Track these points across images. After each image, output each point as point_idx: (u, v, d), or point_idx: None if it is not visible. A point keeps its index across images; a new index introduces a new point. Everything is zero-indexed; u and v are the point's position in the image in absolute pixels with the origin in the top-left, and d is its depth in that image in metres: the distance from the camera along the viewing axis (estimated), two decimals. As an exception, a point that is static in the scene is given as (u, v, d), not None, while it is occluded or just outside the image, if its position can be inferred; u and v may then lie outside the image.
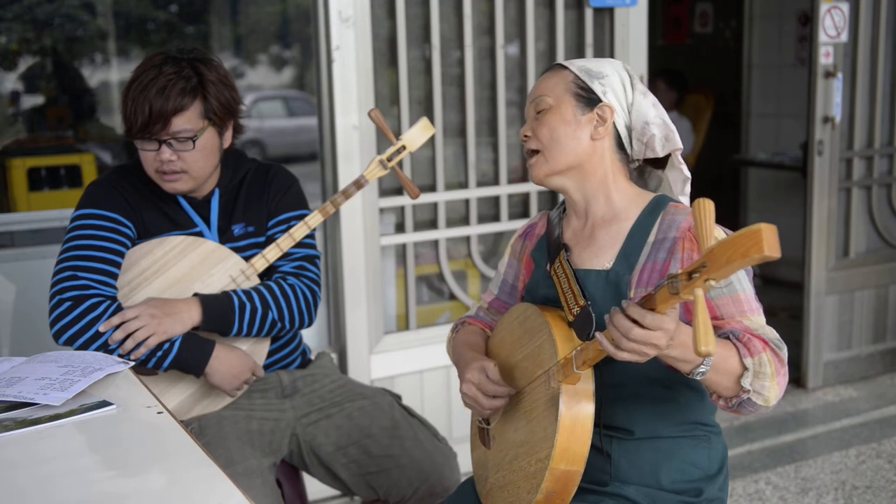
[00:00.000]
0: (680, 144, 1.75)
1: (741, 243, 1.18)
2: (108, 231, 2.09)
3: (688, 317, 1.58)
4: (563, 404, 1.55)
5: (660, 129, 1.72)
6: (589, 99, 1.70)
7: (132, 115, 2.02)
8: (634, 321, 1.37)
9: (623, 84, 1.73)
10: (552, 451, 1.54)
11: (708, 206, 1.28)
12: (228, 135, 2.17)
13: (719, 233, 1.59)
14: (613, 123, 1.71)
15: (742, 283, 1.60)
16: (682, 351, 1.44)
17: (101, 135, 5.06)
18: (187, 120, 2.04)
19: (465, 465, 2.28)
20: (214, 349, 2.08)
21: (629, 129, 1.73)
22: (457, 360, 1.87)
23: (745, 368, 1.50)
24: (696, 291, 1.27)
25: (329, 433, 2.21)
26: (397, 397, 2.33)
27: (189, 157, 2.06)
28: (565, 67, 1.74)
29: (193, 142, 2.05)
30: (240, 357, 2.12)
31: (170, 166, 2.05)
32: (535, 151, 1.73)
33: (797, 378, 4.26)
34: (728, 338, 1.54)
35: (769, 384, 1.51)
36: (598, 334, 1.45)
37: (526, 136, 1.74)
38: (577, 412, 1.55)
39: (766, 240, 1.16)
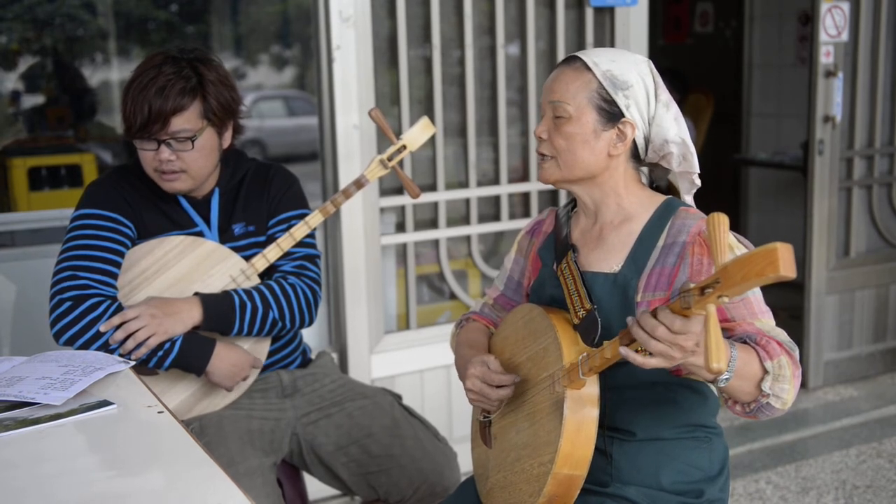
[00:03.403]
0: (696, 168, 1.71)
1: (756, 262, 1.17)
2: (109, 231, 2.09)
3: None
4: (567, 409, 1.54)
5: (678, 147, 1.68)
6: (611, 113, 1.65)
7: (131, 114, 2.02)
8: (662, 324, 1.35)
9: (647, 95, 1.67)
10: (556, 456, 1.53)
11: (722, 221, 1.27)
12: (228, 135, 2.16)
13: (732, 240, 1.58)
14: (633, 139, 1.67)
15: None
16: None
17: (102, 134, 5.06)
18: (186, 120, 2.04)
19: (465, 464, 2.28)
20: (215, 348, 2.08)
21: (647, 141, 1.69)
22: (458, 360, 1.86)
23: (765, 372, 1.49)
24: (709, 307, 1.26)
25: (329, 433, 2.21)
26: (398, 397, 2.33)
27: (188, 157, 2.06)
28: (588, 69, 1.65)
29: (192, 142, 2.05)
30: (240, 355, 2.12)
31: (169, 166, 2.05)
32: (545, 154, 1.70)
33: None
34: (745, 342, 1.53)
35: (788, 387, 1.50)
36: (622, 348, 1.42)
37: (541, 137, 1.70)
38: (581, 417, 1.55)
39: (782, 259, 1.15)
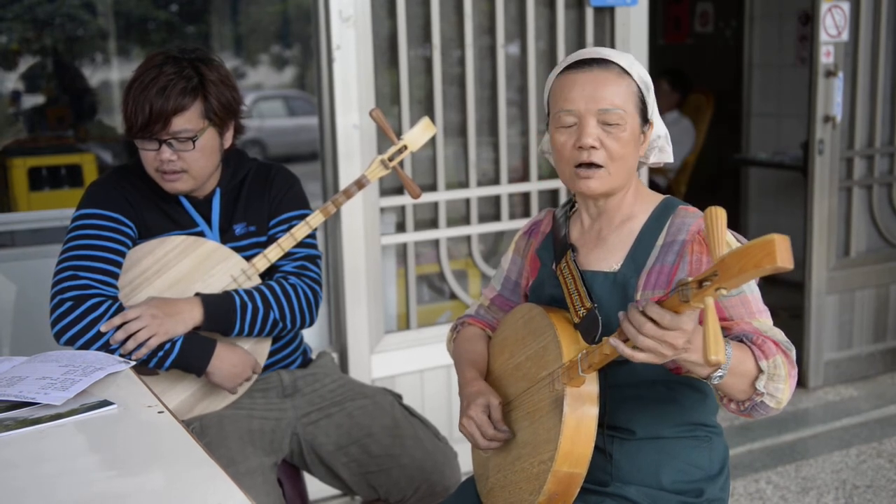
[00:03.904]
0: (671, 158, 1.76)
1: (754, 253, 1.18)
2: (110, 231, 2.09)
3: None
4: (567, 406, 1.54)
5: (662, 140, 1.74)
6: (645, 116, 1.67)
7: (133, 114, 2.02)
8: (651, 320, 1.35)
9: (653, 94, 1.71)
10: (555, 454, 1.54)
11: (720, 214, 1.28)
12: (229, 135, 2.17)
13: (730, 237, 1.59)
14: None
15: (750, 285, 1.59)
16: (700, 356, 1.41)
17: (102, 134, 5.06)
18: (187, 120, 2.04)
19: (465, 464, 2.28)
20: (216, 349, 2.08)
21: None
22: (460, 376, 1.84)
23: (760, 371, 1.49)
24: (707, 300, 1.26)
25: (329, 432, 2.21)
26: (398, 397, 2.33)
27: (189, 157, 2.06)
28: (627, 73, 1.65)
29: (193, 142, 2.05)
30: (241, 356, 2.12)
31: (170, 166, 2.05)
32: (596, 164, 1.64)
33: (797, 378, 4.25)
34: (741, 340, 1.53)
35: (783, 386, 1.51)
36: (612, 339, 1.43)
37: (595, 146, 1.63)
38: (581, 415, 1.55)
39: (779, 250, 1.15)
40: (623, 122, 1.63)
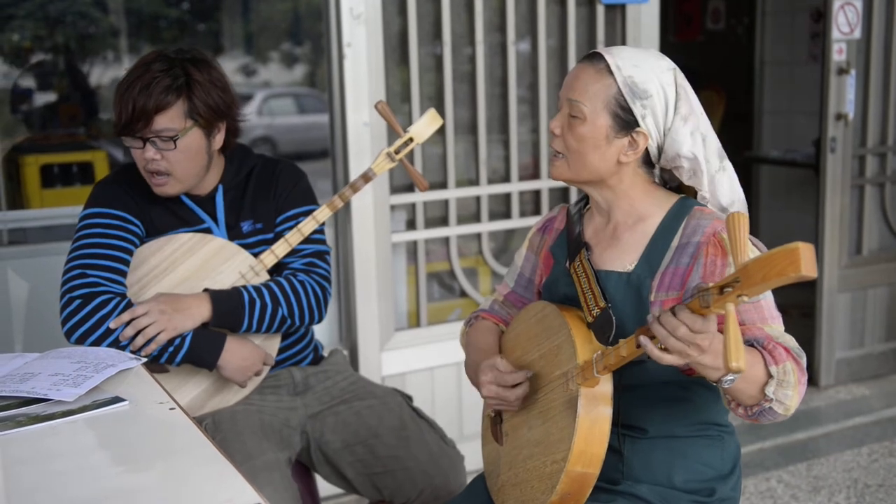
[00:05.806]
0: (704, 187, 1.65)
1: (778, 261, 1.17)
2: (116, 229, 2.09)
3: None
4: (581, 407, 1.54)
5: (689, 162, 1.64)
6: (626, 121, 1.62)
7: (119, 111, 2.03)
8: (684, 323, 1.35)
9: (666, 106, 1.62)
10: (569, 454, 1.53)
11: (742, 220, 1.27)
12: (220, 137, 2.13)
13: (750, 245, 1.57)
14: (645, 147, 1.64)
15: None
16: (714, 358, 1.40)
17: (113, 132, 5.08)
18: (170, 119, 2.02)
19: (475, 462, 2.28)
20: (226, 342, 2.08)
21: (660, 151, 1.66)
22: (468, 364, 1.85)
23: (770, 376, 1.49)
24: (728, 306, 1.26)
25: (336, 429, 2.21)
26: (408, 398, 2.32)
27: (172, 158, 2.04)
28: (611, 72, 1.61)
29: (175, 141, 2.03)
30: (251, 349, 2.12)
31: (154, 166, 2.04)
32: (560, 152, 1.68)
33: (809, 376, 4.23)
34: (752, 345, 1.52)
35: (791, 393, 1.50)
36: (642, 338, 1.42)
37: (554, 133, 1.67)
38: (595, 415, 1.54)
39: (804, 259, 1.14)
40: (582, 116, 1.62)
